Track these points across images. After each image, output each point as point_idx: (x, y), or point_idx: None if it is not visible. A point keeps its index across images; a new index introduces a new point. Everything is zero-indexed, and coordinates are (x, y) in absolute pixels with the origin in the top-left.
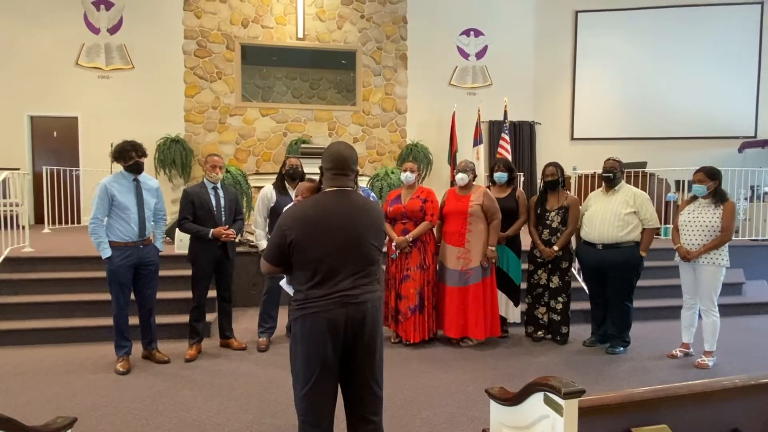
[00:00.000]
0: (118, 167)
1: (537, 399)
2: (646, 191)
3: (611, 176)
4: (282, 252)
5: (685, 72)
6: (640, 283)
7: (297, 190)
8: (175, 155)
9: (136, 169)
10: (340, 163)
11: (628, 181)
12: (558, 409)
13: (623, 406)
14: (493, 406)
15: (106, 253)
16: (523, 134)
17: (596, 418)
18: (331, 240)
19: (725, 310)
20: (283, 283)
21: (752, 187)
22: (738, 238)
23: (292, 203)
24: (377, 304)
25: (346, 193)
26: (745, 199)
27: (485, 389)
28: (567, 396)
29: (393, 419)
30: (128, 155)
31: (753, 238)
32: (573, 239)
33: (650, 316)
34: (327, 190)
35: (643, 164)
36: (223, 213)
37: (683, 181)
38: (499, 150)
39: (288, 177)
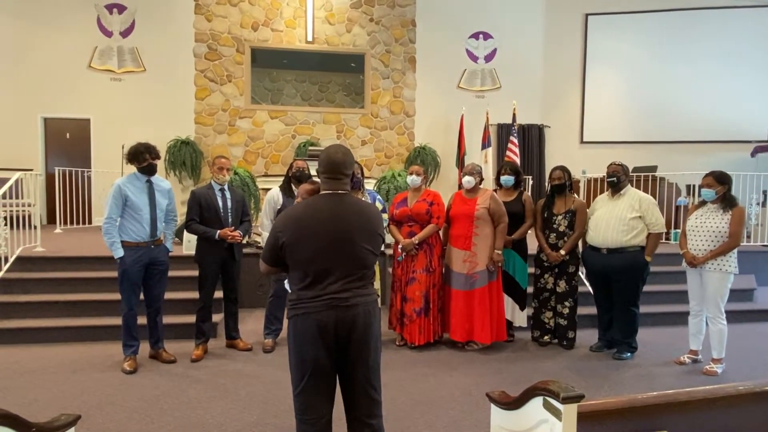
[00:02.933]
0: (130, 168)
1: (536, 403)
2: (656, 195)
3: (615, 180)
4: (276, 253)
5: (696, 75)
6: (647, 288)
7: (298, 191)
8: (185, 157)
9: (149, 170)
10: (331, 167)
11: (637, 186)
12: (557, 413)
13: (624, 411)
14: (494, 409)
15: (119, 253)
16: (532, 137)
17: (596, 424)
18: (321, 243)
19: (736, 316)
20: (286, 282)
21: (765, 192)
22: (750, 244)
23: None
24: (370, 308)
25: (339, 196)
26: (758, 203)
27: (486, 393)
28: (566, 401)
29: (396, 422)
30: (142, 157)
31: (765, 243)
32: (580, 243)
33: (658, 321)
34: (321, 193)
35: (654, 168)
36: (229, 214)
37: (694, 186)
38: (508, 153)
39: (294, 179)
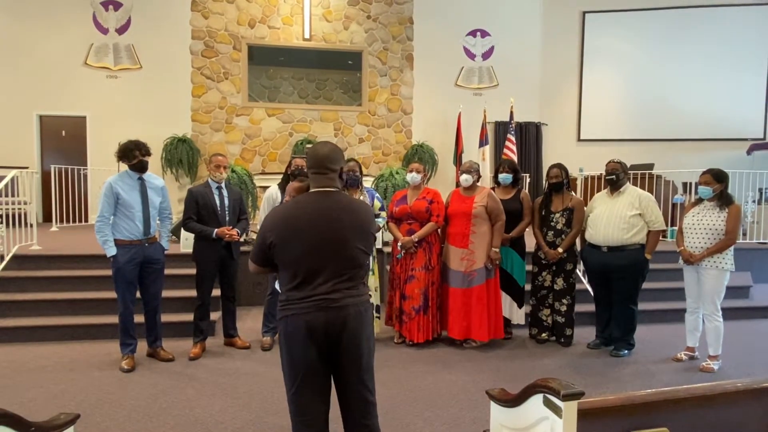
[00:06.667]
0: (125, 166)
1: (536, 401)
2: (653, 193)
3: (614, 178)
4: (264, 253)
5: (693, 73)
6: (645, 285)
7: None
8: (182, 155)
9: (140, 167)
10: (317, 162)
11: (634, 183)
12: (557, 410)
13: (623, 408)
14: (494, 407)
15: (111, 251)
16: (529, 135)
17: (596, 421)
18: (309, 242)
19: (732, 313)
20: (276, 282)
21: (760, 190)
22: (746, 241)
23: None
24: (362, 308)
25: (328, 193)
26: (753, 201)
27: (486, 390)
28: (566, 398)
29: (395, 419)
30: (132, 154)
31: (761, 241)
32: (578, 241)
33: (655, 318)
34: (310, 191)
35: (651, 166)
36: (227, 213)
37: (691, 183)
38: (505, 151)
39: (293, 177)
